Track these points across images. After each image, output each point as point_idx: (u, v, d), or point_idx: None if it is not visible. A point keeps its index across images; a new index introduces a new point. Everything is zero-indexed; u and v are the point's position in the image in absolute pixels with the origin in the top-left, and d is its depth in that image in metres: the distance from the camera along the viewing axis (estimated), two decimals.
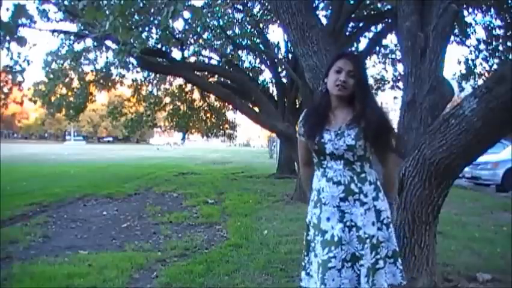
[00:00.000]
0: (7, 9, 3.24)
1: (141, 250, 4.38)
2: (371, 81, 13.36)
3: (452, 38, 6.64)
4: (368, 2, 9.05)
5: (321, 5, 9.64)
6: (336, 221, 1.93)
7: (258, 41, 11.69)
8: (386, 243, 1.94)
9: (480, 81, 8.86)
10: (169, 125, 16.24)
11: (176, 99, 14.75)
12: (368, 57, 11.44)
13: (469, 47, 9.41)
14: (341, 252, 1.89)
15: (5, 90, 8.79)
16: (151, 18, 7.19)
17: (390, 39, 10.87)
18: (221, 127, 17.14)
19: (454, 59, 10.31)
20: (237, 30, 10.96)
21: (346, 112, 1.98)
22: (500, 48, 8.69)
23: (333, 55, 2.22)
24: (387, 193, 2.03)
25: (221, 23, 10.11)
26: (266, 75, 13.94)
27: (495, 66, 8.72)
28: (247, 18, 10.54)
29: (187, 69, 10.29)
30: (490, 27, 8.79)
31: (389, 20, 8.51)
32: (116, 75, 12.03)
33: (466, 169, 8.65)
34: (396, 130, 3.08)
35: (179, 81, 13.68)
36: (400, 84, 11.65)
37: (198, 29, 9.93)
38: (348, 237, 1.90)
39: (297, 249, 4.04)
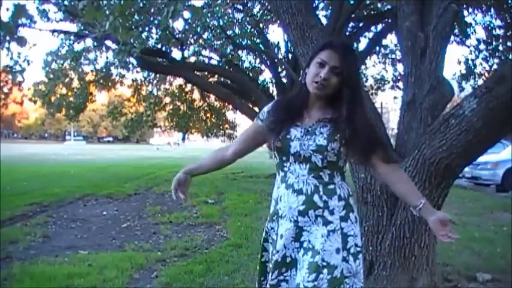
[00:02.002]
0: (7, 9, 3.25)
1: (141, 250, 4.37)
2: (370, 81, 13.33)
3: (452, 38, 6.64)
4: (368, 2, 9.05)
5: (321, 5, 9.65)
6: (290, 240, 1.57)
7: (258, 41, 11.68)
8: (351, 279, 1.51)
9: (480, 81, 8.87)
10: (169, 125, 16.27)
11: (176, 99, 14.76)
12: (368, 57, 11.45)
13: (469, 47, 9.42)
14: (296, 277, 1.55)
15: (5, 90, 8.83)
16: (151, 18, 7.21)
17: (390, 39, 10.89)
18: (221, 127, 17.13)
19: (454, 59, 10.33)
20: (237, 30, 10.95)
21: (324, 112, 1.62)
22: (500, 48, 8.70)
23: (320, 42, 1.95)
24: (415, 200, 1.59)
25: (221, 23, 10.11)
26: (266, 75, 13.94)
27: (495, 66, 8.73)
28: (247, 18, 10.54)
29: (187, 69, 10.33)
30: (490, 27, 8.80)
31: (389, 20, 8.53)
32: (116, 75, 12.07)
33: (466, 169, 8.65)
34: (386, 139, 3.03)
35: (179, 81, 13.69)
36: (400, 84, 11.64)
37: (198, 29, 9.93)
38: (301, 262, 1.55)
39: None
